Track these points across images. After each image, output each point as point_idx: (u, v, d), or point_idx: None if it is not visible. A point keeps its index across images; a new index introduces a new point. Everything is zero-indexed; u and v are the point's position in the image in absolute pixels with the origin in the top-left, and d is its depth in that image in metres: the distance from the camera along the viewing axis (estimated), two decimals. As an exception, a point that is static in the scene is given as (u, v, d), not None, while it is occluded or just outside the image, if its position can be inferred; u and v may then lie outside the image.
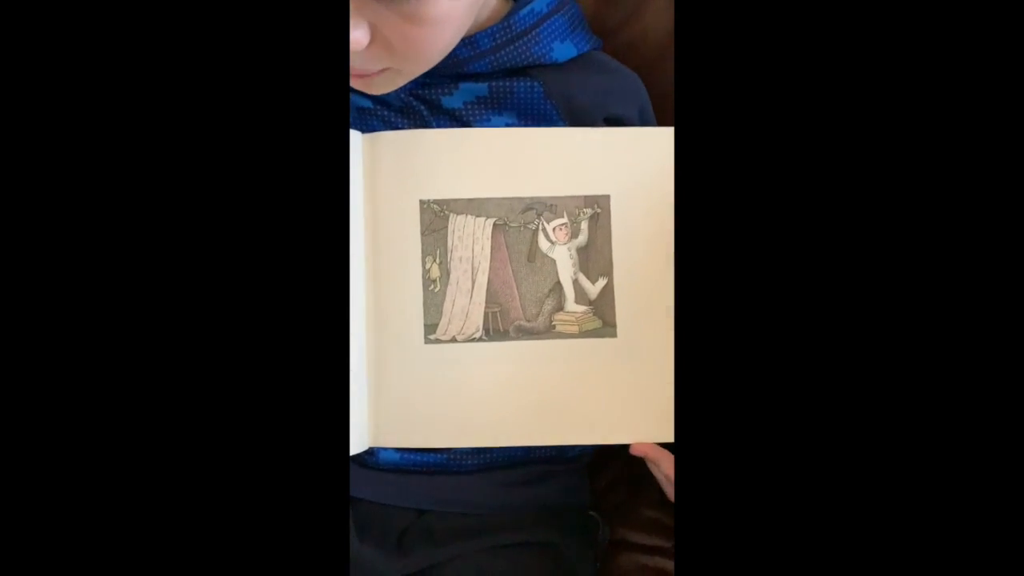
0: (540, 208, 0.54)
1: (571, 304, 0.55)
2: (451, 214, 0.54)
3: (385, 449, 0.56)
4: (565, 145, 0.53)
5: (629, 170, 0.53)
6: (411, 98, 0.56)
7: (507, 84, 0.55)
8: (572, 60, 0.57)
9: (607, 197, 0.54)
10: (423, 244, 0.54)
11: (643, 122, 0.58)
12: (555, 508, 0.59)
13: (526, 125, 0.56)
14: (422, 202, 0.54)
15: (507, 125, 0.56)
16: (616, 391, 0.54)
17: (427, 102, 0.56)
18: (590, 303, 0.54)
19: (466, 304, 0.54)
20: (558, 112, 0.56)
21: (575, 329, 0.54)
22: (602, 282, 0.54)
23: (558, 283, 0.55)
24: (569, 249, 0.54)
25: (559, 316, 0.54)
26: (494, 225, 0.54)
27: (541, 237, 0.54)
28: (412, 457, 0.57)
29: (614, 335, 0.54)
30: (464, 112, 0.56)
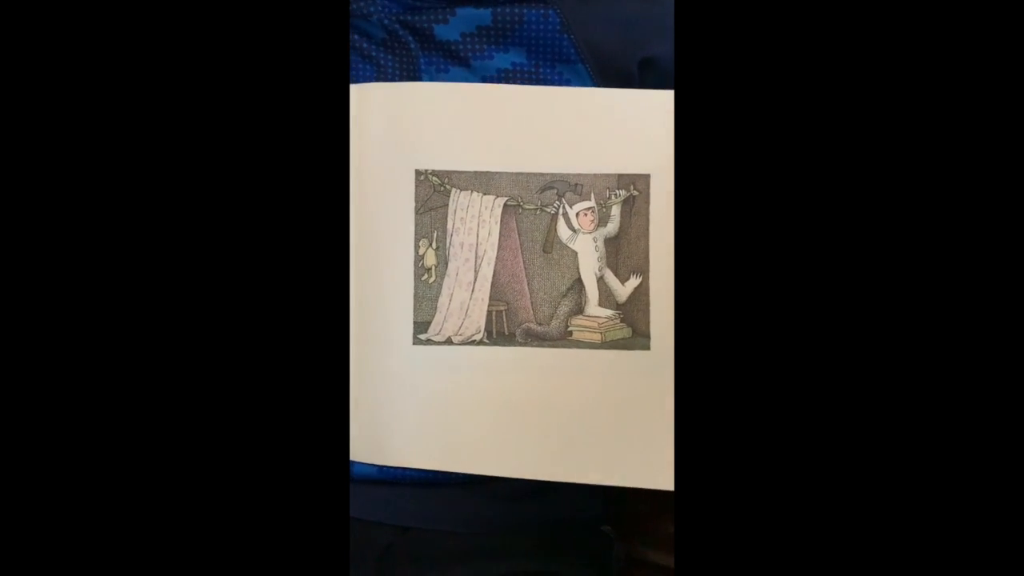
0: (562, 188, 0.44)
1: (593, 307, 0.44)
2: (453, 189, 0.45)
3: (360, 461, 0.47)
4: (597, 110, 0.44)
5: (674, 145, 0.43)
6: (397, 26, 0.46)
7: (515, 11, 0.44)
8: None
9: (646, 177, 0.44)
10: (417, 224, 0.45)
11: None
12: (561, 524, 0.48)
13: (537, 63, 0.46)
14: (418, 172, 0.45)
15: (513, 63, 0.46)
16: (645, 417, 0.43)
17: (416, 32, 0.46)
18: (618, 307, 0.44)
19: (466, 299, 0.45)
20: (577, 50, 0.45)
21: (597, 337, 0.44)
22: (635, 281, 0.44)
23: (579, 280, 0.45)
24: (595, 239, 0.44)
25: (578, 320, 0.44)
26: (505, 206, 0.45)
27: (561, 223, 0.45)
28: (392, 470, 0.47)
29: (647, 347, 0.44)
30: (461, 46, 0.46)
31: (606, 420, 0.44)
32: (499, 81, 0.47)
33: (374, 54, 0.46)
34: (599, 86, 0.45)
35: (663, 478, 0.43)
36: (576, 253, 0.45)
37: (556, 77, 0.46)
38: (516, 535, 0.47)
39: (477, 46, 0.46)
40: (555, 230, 0.45)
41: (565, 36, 0.45)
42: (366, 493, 0.47)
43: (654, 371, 0.43)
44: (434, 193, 0.45)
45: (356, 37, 0.47)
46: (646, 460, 0.43)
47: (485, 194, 0.45)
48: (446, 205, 0.45)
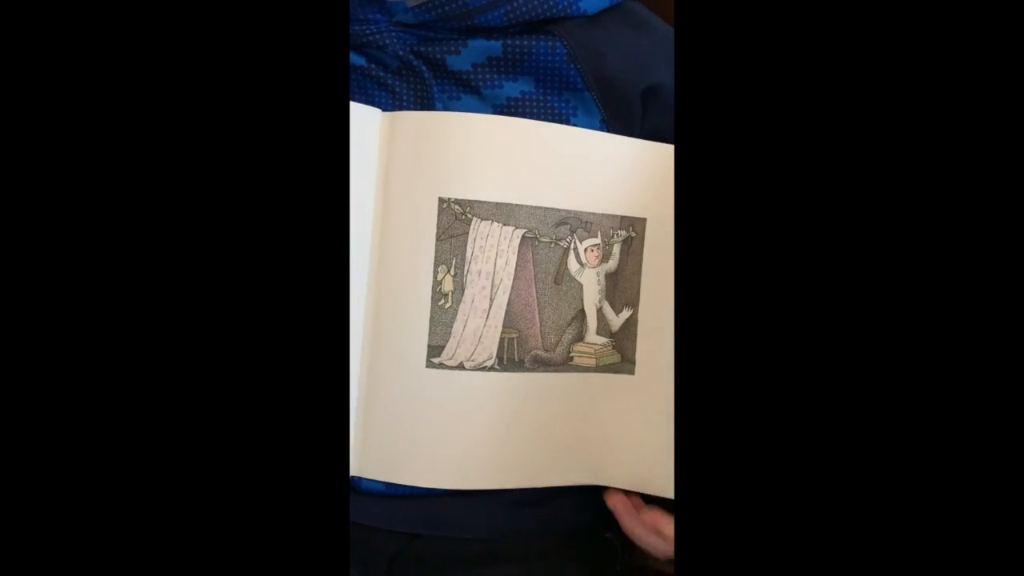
0: (575, 224, 0.47)
1: (592, 335, 0.48)
2: (475, 218, 0.45)
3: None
4: (608, 154, 0.47)
5: (670, 193, 0.48)
6: (412, 56, 0.46)
7: (524, 43, 0.46)
8: (603, 12, 0.48)
9: (643, 221, 0.48)
10: (437, 250, 0.45)
11: None
12: (566, 531, 0.52)
13: (546, 92, 0.48)
14: (441, 200, 0.45)
15: (523, 92, 0.48)
16: (626, 432, 0.49)
17: (430, 62, 0.47)
18: (611, 335, 0.49)
19: (480, 326, 0.46)
20: (583, 79, 0.47)
21: (592, 362, 0.48)
22: (626, 313, 0.49)
23: (581, 311, 0.48)
24: (598, 274, 0.48)
25: (578, 347, 0.48)
26: (523, 237, 0.46)
27: (571, 257, 0.48)
28: (399, 486, 0.48)
29: (632, 372, 0.49)
30: (473, 76, 0.47)
31: (594, 431, 0.49)
32: (509, 108, 0.48)
33: (390, 82, 0.47)
34: (605, 113, 0.49)
35: (644, 482, 0.49)
36: (581, 285, 0.48)
37: (563, 105, 0.49)
38: (521, 541, 0.50)
39: (488, 76, 0.47)
40: (566, 263, 0.48)
41: (572, 66, 0.48)
42: (375, 503, 0.47)
43: (637, 393, 0.49)
44: (456, 221, 0.45)
45: (373, 66, 0.47)
46: (627, 466, 0.49)
47: (504, 225, 0.46)
48: (466, 233, 0.45)
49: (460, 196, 0.45)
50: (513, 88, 0.47)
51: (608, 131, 0.49)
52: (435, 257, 0.45)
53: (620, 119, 0.48)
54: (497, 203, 0.45)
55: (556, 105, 0.48)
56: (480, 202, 0.45)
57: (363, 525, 0.47)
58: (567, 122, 0.49)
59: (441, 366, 0.46)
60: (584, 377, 0.48)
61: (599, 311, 0.49)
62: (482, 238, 0.46)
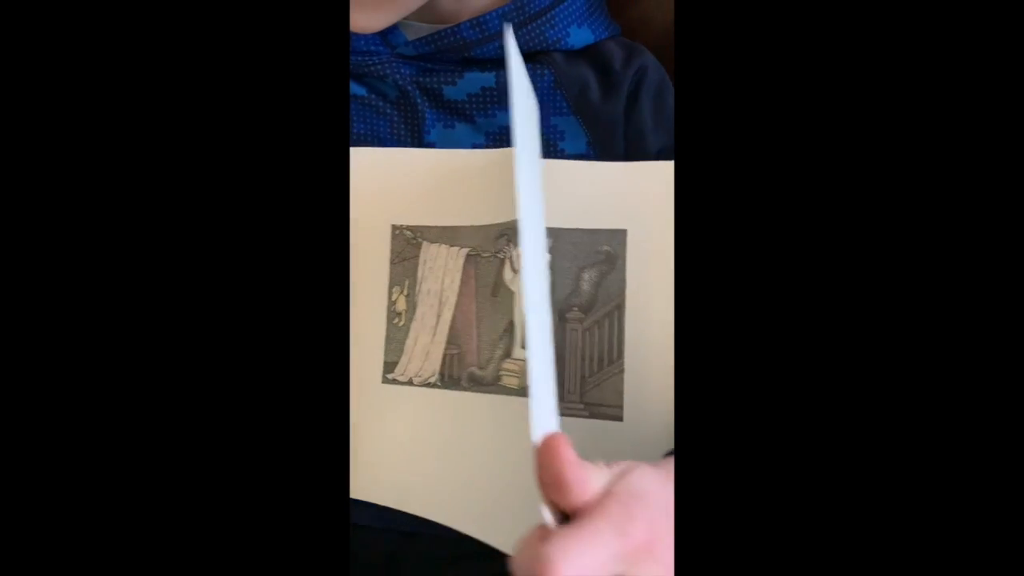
0: (512, 234, 0.45)
1: (519, 349, 0.43)
2: (424, 242, 0.48)
3: None
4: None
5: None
6: (410, 86, 0.52)
7: None
8: (588, 47, 0.51)
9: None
10: (391, 273, 0.49)
11: None
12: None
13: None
14: (394, 227, 0.50)
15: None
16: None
17: (428, 92, 0.52)
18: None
19: (428, 342, 0.47)
20: (568, 104, 0.50)
21: (515, 382, 0.43)
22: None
23: (511, 322, 0.44)
24: (534, 282, 0.44)
25: (506, 364, 0.44)
26: (467, 256, 0.47)
27: (506, 266, 0.45)
28: None
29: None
30: (468, 105, 0.51)
31: (517, 476, 0.41)
32: (502, 135, 0.51)
33: (388, 111, 0.53)
34: (590, 136, 0.49)
35: None
36: (513, 293, 0.44)
37: (551, 131, 0.50)
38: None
39: (482, 105, 0.51)
40: (502, 274, 0.45)
41: (558, 92, 0.50)
42: (370, 506, 0.48)
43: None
44: (407, 245, 0.49)
45: (373, 96, 0.53)
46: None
47: (451, 246, 0.48)
48: (417, 256, 0.49)
49: (410, 223, 0.49)
50: (505, 117, 0.50)
51: (594, 153, 0.49)
52: (389, 279, 0.49)
53: (605, 142, 0.49)
54: (443, 227, 0.48)
55: (545, 132, 0.49)
56: (428, 227, 0.49)
57: (359, 525, 0.48)
58: (555, 146, 0.49)
59: (394, 381, 0.48)
60: (509, 400, 0.43)
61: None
62: (431, 259, 0.48)
